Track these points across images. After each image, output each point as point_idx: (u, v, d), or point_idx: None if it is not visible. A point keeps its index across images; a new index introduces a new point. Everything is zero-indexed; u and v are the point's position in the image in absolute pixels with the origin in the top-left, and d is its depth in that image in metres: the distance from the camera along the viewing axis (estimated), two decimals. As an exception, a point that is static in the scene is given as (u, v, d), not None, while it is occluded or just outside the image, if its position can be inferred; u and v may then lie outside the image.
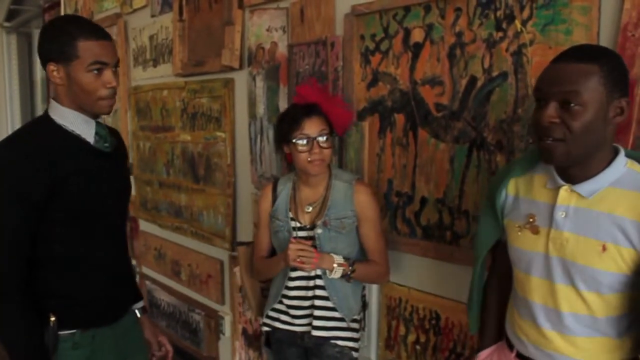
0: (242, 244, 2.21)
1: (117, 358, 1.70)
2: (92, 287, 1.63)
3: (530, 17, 1.59)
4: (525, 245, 1.34)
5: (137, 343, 1.81)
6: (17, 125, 6.85)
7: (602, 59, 1.19)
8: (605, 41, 1.45)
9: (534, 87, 1.25)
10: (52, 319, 1.55)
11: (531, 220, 1.33)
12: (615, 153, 1.26)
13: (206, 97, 2.90)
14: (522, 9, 1.61)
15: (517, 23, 1.62)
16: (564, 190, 1.27)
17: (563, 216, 1.27)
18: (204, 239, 3.03)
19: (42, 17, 5.12)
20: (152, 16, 3.28)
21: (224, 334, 2.97)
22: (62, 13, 4.40)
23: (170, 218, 3.33)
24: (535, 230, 1.32)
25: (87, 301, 1.62)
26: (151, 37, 3.34)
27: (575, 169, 1.24)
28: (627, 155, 1.26)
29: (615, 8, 1.43)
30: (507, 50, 1.65)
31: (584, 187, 1.24)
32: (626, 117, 1.23)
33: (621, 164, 1.24)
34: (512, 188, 1.42)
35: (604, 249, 1.21)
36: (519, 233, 1.36)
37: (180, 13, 2.99)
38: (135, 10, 3.45)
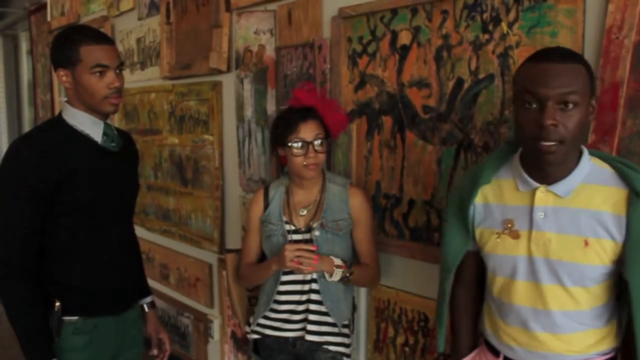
0: (230, 251, 2.16)
1: (114, 349, 1.78)
2: (96, 278, 1.71)
3: (516, 20, 1.60)
4: (506, 250, 1.33)
5: (135, 337, 1.87)
6: (3, 127, 6.80)
7: (583, 59, 1.21)
8: (590, 44, 1.46)
9: (521, 89, 1.22)
10: (57, 304, 1.64)
11: (509, 225, 1.32)
12: (580, 151, 1.28)
13: (194, 100, 2.89)
14: (508, 11, 1.62)
15: (504, 25, 1.63)
16: (540, 192, 1.28)
17: (542, 217, 1.27)
18: (193, 242, 3.02)
19: (27, 20, 5.07)
20: (139, 19, 3.27)
21: (212, 338, 2.96)
22: (48, 15, 4.38)
23: (159, 221, 3.31)
24: (516, 235, 1.31)
25: (90, 291, 1.70)
26: (138, 40, 3.32)
27: (557, 169, 1.25)
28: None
29: (600, 11, 1.44)
30: (493, 52, 1.66)
31: (560, 188, 1.26)
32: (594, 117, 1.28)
33: (587, 160, 1.27)
34: (479, 197, 1.39)
35: (586, 243, 1.23)
36: (498, 240, 1.34)
37: (168, 16, 2.98)
38: (122, 13, 3.43)
